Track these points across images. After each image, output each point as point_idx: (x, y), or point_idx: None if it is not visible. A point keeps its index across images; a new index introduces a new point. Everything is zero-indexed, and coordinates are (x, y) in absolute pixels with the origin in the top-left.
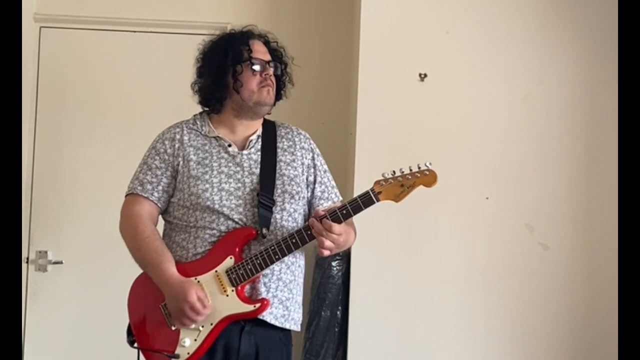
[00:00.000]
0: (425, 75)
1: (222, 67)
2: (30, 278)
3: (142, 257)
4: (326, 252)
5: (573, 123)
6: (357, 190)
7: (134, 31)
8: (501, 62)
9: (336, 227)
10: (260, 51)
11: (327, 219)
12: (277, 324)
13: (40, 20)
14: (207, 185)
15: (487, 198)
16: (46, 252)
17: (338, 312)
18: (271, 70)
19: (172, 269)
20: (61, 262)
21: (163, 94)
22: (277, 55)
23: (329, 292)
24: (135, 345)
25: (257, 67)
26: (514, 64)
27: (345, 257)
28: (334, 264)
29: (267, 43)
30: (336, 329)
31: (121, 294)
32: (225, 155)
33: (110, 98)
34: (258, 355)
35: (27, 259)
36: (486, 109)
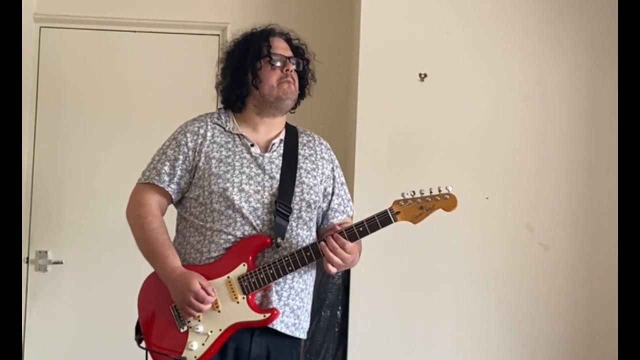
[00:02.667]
0: (425, 75)
1: (242, 65)
2: (30, 278)
3: (149, 248)
4: (333, 270)
5: (573, 123)
6: (357, 191)
7: (134, 31)
8: (501, 62)
9: (349, 245)
10: (280, 47)
11: (344, 235)
12: (287, 332)
13: (40, 20)
14: (228, 184)
15: (487, 198)
16: (46, 252)
17: (338, 312)
18: (292, 67)
19: (176, 263)
20: (61, 262)
21: (163, 94)
22: (299, 52)
23: (329, 292)
24: (142, 345)
25: (277, 63)
26: (514, 64)
27: None
28: None
29: (289, 40)
30: (336, 329)
31: (121, 293)
32: (248, 156)
33: (110, 98)
34: (269, 358)
35: (27, 259)
36: (486, 109)
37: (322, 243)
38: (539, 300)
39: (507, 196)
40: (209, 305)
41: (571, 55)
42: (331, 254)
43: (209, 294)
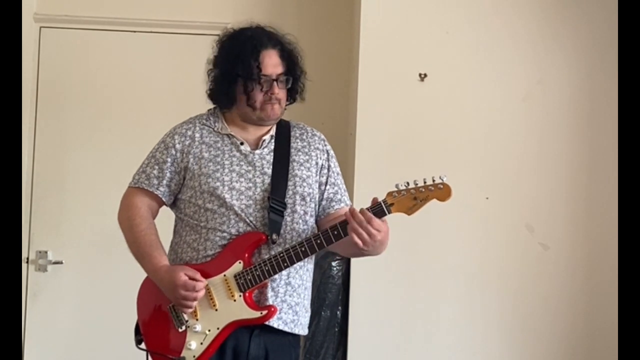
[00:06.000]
0: (425, 75)
1: (230, 77)
2: (30, 278)
3: (137, 249)
4: (360, 243)
5: (573, 123)
6: (357, 191)
7: (134, 31)
8: (501, 62)
9: (376, 221)
10: (270, 64)
11: (337, 228)
12: (286, 329)
13: (40, 20)
14: (218, 184)
15: (487, 198)
16: (46, 252)
17: (338, 312)
18: (276, 89)
19: (162, 262)
20: (61, 262)
21: (163, 94)
22: (291, 61)
23: (329, 292)
24: (141, 346)
25: (264, 87)
26: (514, 64)
27: (345, 257)
28: (334, 264)
29: (281, 48)
30: (336, 329)
31: (121, 293)
32: (237, 154)
33: (110, 98)
34: (267, 357)
35: (27, 259)
36: (486, 109)
37: (348, 213)
38: (539, 300)
39: (507, 196)
40: (202, 292)
41: (572, 55)
42: (359, 229)
43: (198, 281)
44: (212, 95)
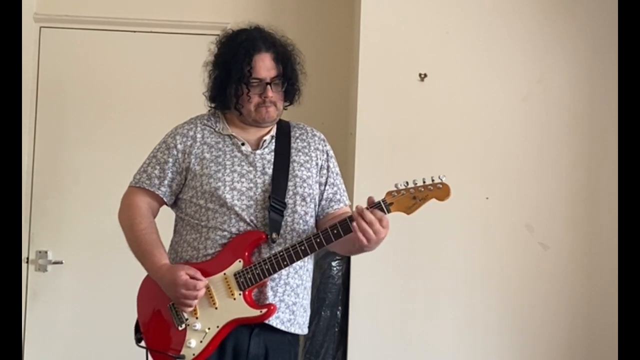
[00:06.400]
0: (425, 75)
1: (224, 80)
2: (30, 278)
3: (137, 248)
4: (365, 242)
5: (573, 122)
6: (357, 191)
7: (134, 31)
8: (501, 62)
9: (386, 219)
10: (263, 67)
11: (337, 228)
12: (283, 328)
13: (40, 20)
14: (220, 184)
15: (487, 198)
16: (46, 252)
17: (338, 312)
18: (270, 92)
19: (163, 260)
20: (61, 262)
21: (163, 94)
22: (286, 67)
23: (329, 292)
24: (141, 344)
25: (256, 90)
26: (514, 63)
27: (345, 257)
28: (334, 264)
29: (275, 50)
30: (336, 329)
31: (121, 293)
32: (239, 154)
33: (110, 98)
34: (267, 356)
35: (27, 259)
36: (486, 109)
37: (356, 213)
38: (539, 301)
39: (507, 196)
40: (203, 291)
41: (572, 55)
42: (368, 229)
43: (199, 279)
44: (210, 97)
